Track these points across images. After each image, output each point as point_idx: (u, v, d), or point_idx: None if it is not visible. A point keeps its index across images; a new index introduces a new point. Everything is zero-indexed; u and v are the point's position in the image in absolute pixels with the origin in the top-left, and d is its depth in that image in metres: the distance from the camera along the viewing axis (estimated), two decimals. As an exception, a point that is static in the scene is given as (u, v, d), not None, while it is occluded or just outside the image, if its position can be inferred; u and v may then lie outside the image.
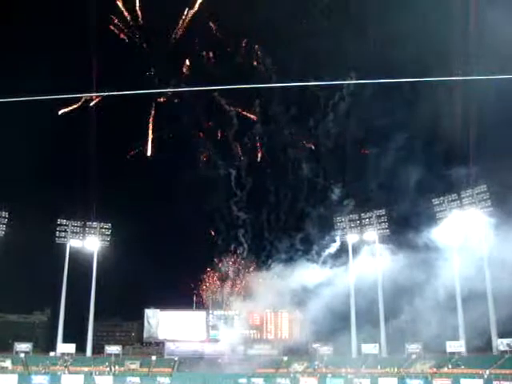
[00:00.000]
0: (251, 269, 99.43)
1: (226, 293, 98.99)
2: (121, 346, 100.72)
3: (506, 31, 57.73)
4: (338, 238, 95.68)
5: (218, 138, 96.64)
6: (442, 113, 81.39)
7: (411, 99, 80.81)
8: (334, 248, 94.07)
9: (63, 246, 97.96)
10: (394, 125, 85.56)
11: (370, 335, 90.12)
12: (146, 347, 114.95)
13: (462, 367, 77.62)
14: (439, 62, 71.99)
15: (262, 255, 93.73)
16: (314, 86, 68.18)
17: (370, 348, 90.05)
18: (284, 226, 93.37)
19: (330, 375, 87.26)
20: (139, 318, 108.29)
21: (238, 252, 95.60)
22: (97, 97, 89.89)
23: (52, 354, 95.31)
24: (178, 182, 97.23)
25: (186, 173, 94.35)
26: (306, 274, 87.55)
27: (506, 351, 77.60)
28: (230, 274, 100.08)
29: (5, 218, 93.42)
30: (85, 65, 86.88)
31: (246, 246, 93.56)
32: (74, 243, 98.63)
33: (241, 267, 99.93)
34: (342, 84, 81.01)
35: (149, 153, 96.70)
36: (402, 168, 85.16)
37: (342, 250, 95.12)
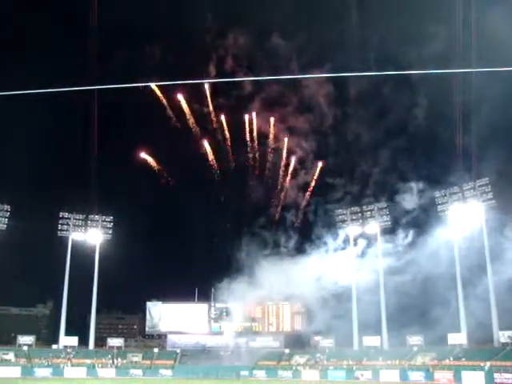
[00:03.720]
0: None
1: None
2: (123, 339, 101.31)
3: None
4: (339, 230, 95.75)
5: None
6: (444, 105, 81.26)
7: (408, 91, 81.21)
8: (336, 239, 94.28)
9: (65, 239, 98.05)
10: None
11: (371, 327, 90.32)
12: (148, 340, 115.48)
13: (464, 359, 77.55)
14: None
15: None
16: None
17: (371, 340, 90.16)
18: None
19: (331, 367, 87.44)
20: (141, 310, 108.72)
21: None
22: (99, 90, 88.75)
23: (55, 346, 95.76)
24: (183, 173, 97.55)
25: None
26: (309, 265, 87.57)
27: (507, 343, 77.43)
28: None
29: (7, 211, 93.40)
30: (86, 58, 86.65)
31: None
32: (76, 236, 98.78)
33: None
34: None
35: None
36: (404, 161, 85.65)
37: (344, 242, 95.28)
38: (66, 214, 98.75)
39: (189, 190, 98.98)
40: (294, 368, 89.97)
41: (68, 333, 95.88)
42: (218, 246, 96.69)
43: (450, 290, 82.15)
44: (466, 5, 60.04)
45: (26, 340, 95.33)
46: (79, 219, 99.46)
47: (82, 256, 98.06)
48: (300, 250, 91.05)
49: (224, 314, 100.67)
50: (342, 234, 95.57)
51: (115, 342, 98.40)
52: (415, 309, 78.38)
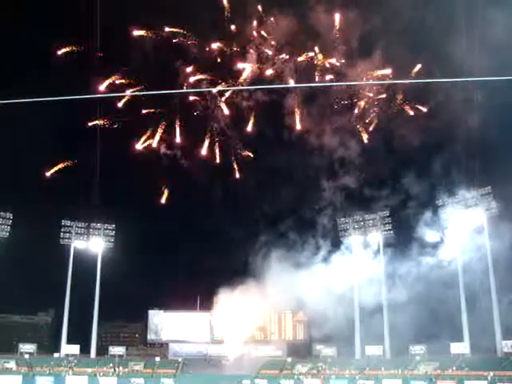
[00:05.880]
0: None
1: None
2: (125, 347, 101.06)
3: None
4: (341, 239, 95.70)
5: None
6: (445, 113, 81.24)
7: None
8: (337, 248, 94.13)
9: (67, 247, 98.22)
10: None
11: (373, 336, 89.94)
12: (150, 348, 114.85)
13: (466, 369, 77.30)
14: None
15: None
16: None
17: (373, 349, 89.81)
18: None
19: (333, 377, 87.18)
20: (143, 318, 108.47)
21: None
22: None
23: (56, 355, 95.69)
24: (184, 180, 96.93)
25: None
26: (311, 274, 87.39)
27: (510, 353, 77.26)
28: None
29: (9, 219, 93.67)
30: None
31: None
32: (78, 244, 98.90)
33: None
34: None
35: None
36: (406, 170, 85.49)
37: (346, 250, 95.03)
38: (68, 222, 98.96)
39: (194, 196, 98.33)
40: (296, 377, 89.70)
41: (70, 341, 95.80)
42: (220, 255, 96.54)
43: (453, 299, 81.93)
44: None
45: (27, 348, 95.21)
46: (81, 227, 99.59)
47: (84, 264, 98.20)
48: (311, 258, 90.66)
49: (226, 322, 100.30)
50: (345, 241, 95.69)
51: (117, 350, 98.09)
52: (418, 318, 78.22)
